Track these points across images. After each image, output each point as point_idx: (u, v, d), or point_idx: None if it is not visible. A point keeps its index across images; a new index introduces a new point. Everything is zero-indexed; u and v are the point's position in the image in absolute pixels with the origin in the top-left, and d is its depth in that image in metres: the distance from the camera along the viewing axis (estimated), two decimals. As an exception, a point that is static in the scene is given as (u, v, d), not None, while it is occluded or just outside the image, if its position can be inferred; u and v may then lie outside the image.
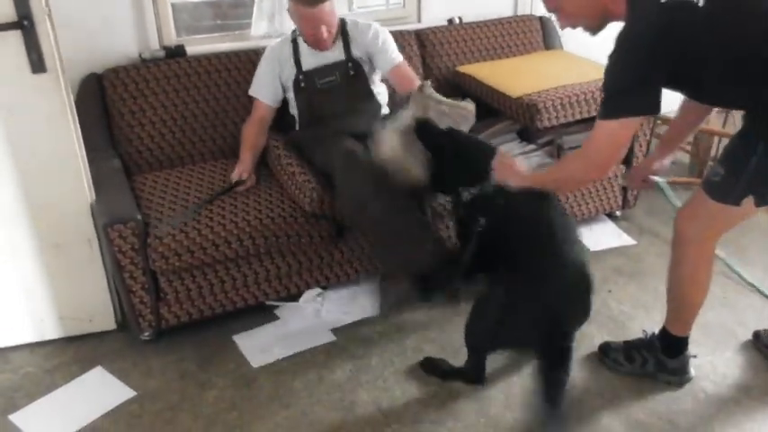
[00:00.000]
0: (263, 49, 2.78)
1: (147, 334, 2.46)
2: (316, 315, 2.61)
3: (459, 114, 2.41)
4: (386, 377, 2.32)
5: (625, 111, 1.77)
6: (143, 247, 2.28)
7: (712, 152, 3.57)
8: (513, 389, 2.25)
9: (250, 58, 2.86)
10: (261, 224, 2.42)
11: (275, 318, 2.62)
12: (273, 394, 2.26)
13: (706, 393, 2.22)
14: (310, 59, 2.68)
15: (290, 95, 2.75)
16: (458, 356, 2.37)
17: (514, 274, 2.06)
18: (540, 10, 3.51)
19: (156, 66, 2.76)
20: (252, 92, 2.76)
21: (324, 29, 2.56)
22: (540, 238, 2.06)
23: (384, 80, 2.85)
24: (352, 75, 2.70)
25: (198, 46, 2.93)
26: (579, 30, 1.92)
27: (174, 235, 2.31)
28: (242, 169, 2.62)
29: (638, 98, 1.76)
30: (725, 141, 3.64)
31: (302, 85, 2.68)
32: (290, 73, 2.69)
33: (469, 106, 2.45)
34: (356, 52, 2.71)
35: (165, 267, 2.31)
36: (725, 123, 3.66)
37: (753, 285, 2.71)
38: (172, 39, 2.90)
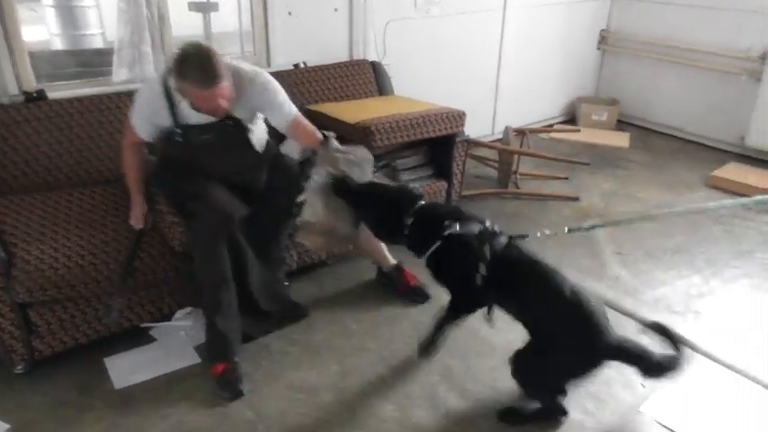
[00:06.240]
0: (126, 93, 2.60)
1: (20, 367, 2.19)
2: (186, 334, 2.45)
3: (364, 159, 2.26)
4: (255, 379, 2.22)
5: None
6: (8, 283, 2.04)
7: (513, 167, 3.80)
8: (366, 376, 2.24)
9: (112, 101, 2.66)
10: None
11: (151, 339, 2.42)
12: (152, 408, 2.10)
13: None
14: (189, 114, 2.24)
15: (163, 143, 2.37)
16: (320, 354, 2.34)
17: (538, 321, 1.92)
18: (372, 55, 3.59)
19: (16, 110, 2.49)
20: (130, 118, 2.32)
21: (223, 102, 2.14)
22: (540, 279, 1.91)
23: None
24: (230, 131, 2.30)
25: (59, 91, 2.68)
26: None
27: (42, 270, 2.08)
28: (138, 212, 2.34)
29: None
30: (524, 159, 3.92)
31: (178, 139, 2.27)
32: (164, 122, 2.26)
33: (362, 151, 2.31)
34: (239, 113, 2.29)
35: (31, 300, 2.08)
36: (522, 144, 3.92)
37: None
38: (31, 85, 2.63)
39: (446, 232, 1.99)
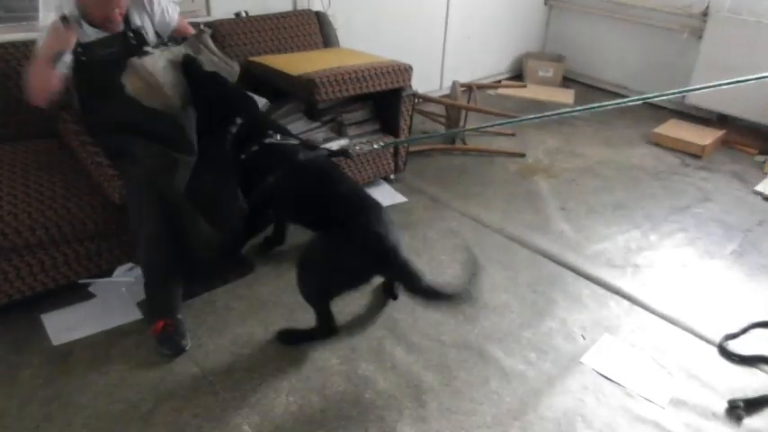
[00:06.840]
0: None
1: (-53, 325, 2.11)
2: (128, 290, 2.39)
3: (226, 70, 2.36)
4: (200, 335, 2.20)
5: None
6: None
7: (461, 123, 3.81)
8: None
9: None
10: (68, 213, 2.15)
11: (90, 295, 2.36)
12: (92, 364, 2.05)
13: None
14: (88, 32, 2.28)
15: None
16: (266, 309, 2.33)
17: (325, 224, 2.04)
18: (317, 5, 3.49)
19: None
20: (37, 49, 2.25)
21: (116, 11, 2.26)
22: (334, 190, 2.09)
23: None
24: (134, 44, 2.34)
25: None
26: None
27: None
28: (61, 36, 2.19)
29: None
30: (471, 114, 3.92)
31: (83, 59, 2.26)
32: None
33: (236, 66, 2.43)
34: (136, 21, 2.39)
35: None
36: (469, 99, 3.93)
37: None
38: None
39: (266, 140, 2.16)
